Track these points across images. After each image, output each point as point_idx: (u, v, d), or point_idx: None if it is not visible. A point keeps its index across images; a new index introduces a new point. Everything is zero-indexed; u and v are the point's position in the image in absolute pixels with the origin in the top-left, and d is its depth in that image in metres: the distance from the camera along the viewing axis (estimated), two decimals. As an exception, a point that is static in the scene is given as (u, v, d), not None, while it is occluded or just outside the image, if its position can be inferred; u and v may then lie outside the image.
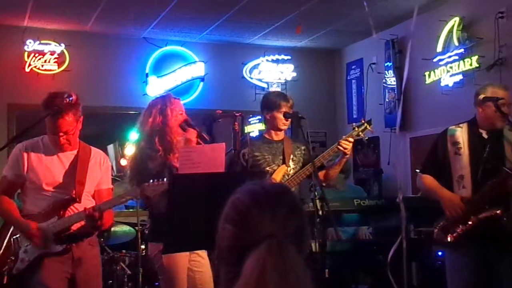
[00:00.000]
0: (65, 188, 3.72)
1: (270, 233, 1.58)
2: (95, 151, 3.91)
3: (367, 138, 4.81)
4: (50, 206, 3.67)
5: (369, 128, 4.70)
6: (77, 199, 3.73)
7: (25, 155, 3.68)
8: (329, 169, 4.62)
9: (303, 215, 1.74)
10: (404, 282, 3.89)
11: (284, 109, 4.53)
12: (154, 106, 4.12)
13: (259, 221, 1.62)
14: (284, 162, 4.57)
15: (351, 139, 4.54)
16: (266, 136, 4.65)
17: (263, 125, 4.87)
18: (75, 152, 3.80)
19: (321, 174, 4.56)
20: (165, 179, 3.60)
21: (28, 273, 3.62)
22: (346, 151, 4.48)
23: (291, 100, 4.66)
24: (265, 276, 1.49)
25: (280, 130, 4.62)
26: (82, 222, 3.68)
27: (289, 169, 4.57)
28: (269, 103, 4.59)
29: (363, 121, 4.76)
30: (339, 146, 4.48)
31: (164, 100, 4.16)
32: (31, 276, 3.62)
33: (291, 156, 4.61)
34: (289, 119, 4.60)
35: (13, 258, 3.64)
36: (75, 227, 3.70)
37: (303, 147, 4.71)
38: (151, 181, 3.61)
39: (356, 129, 4.67)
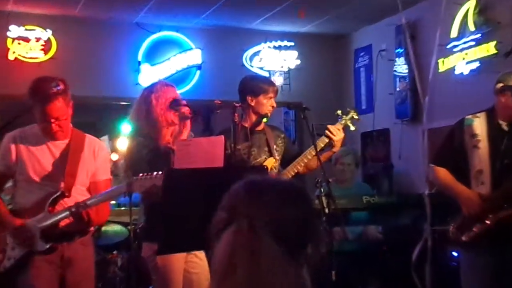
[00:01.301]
0: (54, 180, 3.71)
1: (246, 214, 1.59)
2: (89, 139, 3.90)
3: (356, 127, 4.81)
4: (39, 200, 3.66)
5: (356, 117, 4.74)
6: (66, 193, 3.71)
7: (13, 145, 3.68)
8: (312, 160, 4.60)
9: (305, 210, 1.72)
10: (427, 285, 3.87)
11: (271, 94, 4.52)
12: (141, 95, 4.13)
13: (241, 203, 1.64)
14: (270, 154, 4.55)
15: (340, 129, 4.57)
16: (246, 125, 4.56)
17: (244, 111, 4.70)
18: (66, 141, 3.78)
19: (303, 167, 4.60)
20: (154, 173, 3.57)
21: (15, 272, 3.61)
22: (335, 140, 4.49)
23: (276, 86, 4.68)
24: (234, 254, 1.53)
25: (266, 117, 4.60)
26: (71, 219, 3.67)
27: (275, 161, 4.56)
28: (254, 88, 4.54)
29: (348, 109, 4.78)
30: (327, 132, 4.50)
31: (151, 87, 4.15)
32: (18, 275, 3.62)
33: (274, 147, 4.60)
34: (275, 106, 4.58)
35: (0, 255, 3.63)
36: (63, 223, 3.69)
37: (282, 135, 4.76)
38: (140, 175, 3.57)
39: (344, 117, 4.70)
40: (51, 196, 3.67)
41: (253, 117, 4.58)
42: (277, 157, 4.59)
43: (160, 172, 3.49)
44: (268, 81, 4.70)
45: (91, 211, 3.67)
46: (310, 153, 4.50)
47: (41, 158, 3.72)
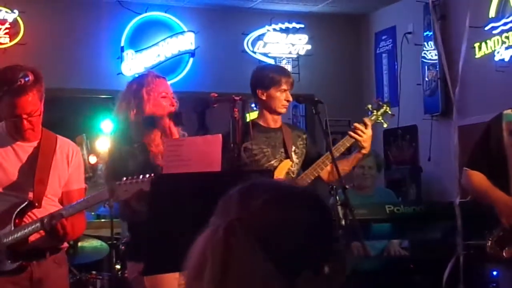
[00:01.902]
0: (20, 189, 3.67)
1: (235, 217, 1.58)
2: (62, 141, 3.85)
3: (387, 124, 4.79)
4: (3, 212, 3.62)
5: (389, 111, 4.71)
6: (36, 204, 3.70)
7: None
8: (338, 163, 4.43)
9: (312, 221, 1.66)
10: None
11: (284, 86, 4.50)
12: (129, 87, 4.11)
13: (232, 205, 1.62)
14: (287, 156, 4.56)
15: (369, 125, 4.53)
16: (261, 123, 4.59)
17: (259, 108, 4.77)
18: (35, 143, 3.74)
19: (325, 171, 4.55)
20: (141, 176, 3.53)
21: None
22: (362, 140, 4.48)
23: (291, 76, 4.66)
24: (203, 260, 1.52)
25: (279, 114, 4.59)
26: (42, 233, 3.67)
27: (293, 164, 4.57)
28: (265, 80, 4.53)
29: (379, 102, 4.77)
30: (351, 133, 4.48)
31: (140, 79, 4.15)
32: None
33: (293, 148, 4.60)
34: (290, 100, 4.56)
35: None
36: (33, 238, 3.69)
37: (304, 136, 4.74)
38: (124, 179, 3.52)
39: (375, 112, 4.67)
40: (18, 207, 3.63)
41: (267, 115, 4.59)
42: (296, 160, 4.58)
43: (147, 176, 3.46)
44: (280, 71, 4.67)
45: (66, 223, 3.66)
46: (328, 157, 4.45)
47: (5, 163, 3.67)
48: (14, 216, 3.62)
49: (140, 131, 3.98)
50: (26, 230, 3.62)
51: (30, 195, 3.68)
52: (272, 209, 1.63)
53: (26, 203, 3.66)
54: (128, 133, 3.99)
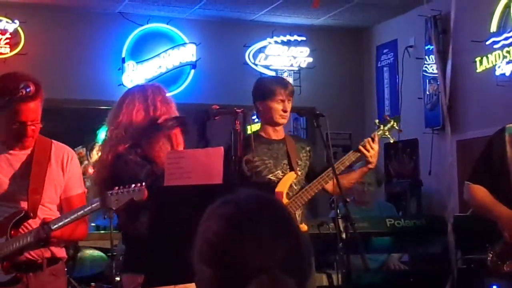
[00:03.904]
0: (15, 199, 3.61)
1: (260, 267, 1.56)
2: (56, 147, 3.79)
3: (394, 139, 4.79)
4: (3, 221, 3.57)
5: (396, 127, 4.70)
6: (31, 214, 3.67)
7: None
8: (344, 177, 4.54)
9: (295, 231, 1.71)
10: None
11: (280, 97, 4.48)
12: (139, 94, 4.08)
13: (241, 255, 1.58)
14: (291, 168, 4.55)
15: (376, 140, 4.53)
16: (263, 134, 4.60)
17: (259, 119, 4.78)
18: (28, 150, 3.69)
19: (330, 184, 4.49)
20: (132, 185, 3.49)
21: None
22: (369, 156, 4.48)
23: (290, 85, 4.64)
24: None
25: (278, 124, 4.58)
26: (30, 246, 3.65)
27: (296, 176, 4.55)
28: (261, 91, 4.55)
29: (387, 117, 4.77)
30: (361, 148, 4.47)
31: (152, 88, 4.12)
32: None
33: (297, 160, 4.59)
34: (288, 111, 4.55)
35: None
36: (29, 249, 3.66)
37: (308, 148, 4.71)
38: (116, 188, 3.48)
39: (382, 127, 4.66)
40: (13, 218, 3.58)
41: (267, 126, 4.60)
42: (300, 172, 4.56)
43: (139, 185, 3.45)
44: (276, 81, 4.65)
45: (62, 234, 3.63)
46: (326, 175, 4.45)
47: (3, 172, 3.66)
48: (9, 227, 3.59)
49: (143, 142, 3.97)
50: (21, 241, 3.57)
51: (24, 205, 3.63)
52: (283, 241, 1.63)
53: (21, 215, 3.62)
54: (137, 143, 3.98)
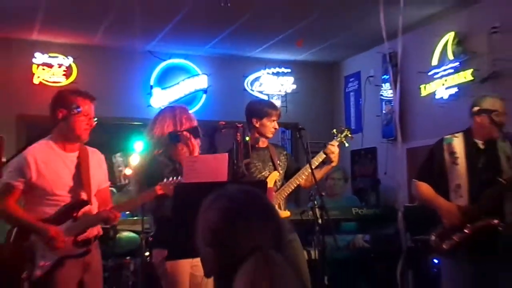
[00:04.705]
0: (74, 191, 3.62)
1: (253, 246, 1.55)
2: (91, 151, 3.82)
3: (347, 144, 4.81)
4: (61, 210, 3.56)
5: (349, 135, 4.74)
6: (89, 202, 3.65)
7: (32, 163, 3.52)
8: (316, 172, 4.52)
9: (277, 216, 1.70)
10: None
11: (274, 118, 4.55)
12: (169, 113, 4.11)
13: (237, 238, 1.58)
14: (274, 168, 4.56)
15: (335, 145, 4.56)
16: (253, 143, 4.59)
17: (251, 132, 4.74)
18: (76, 153, 3.71)
19: (303, 180, 4.58)
20: (179, 177, 3.66)
21: (47, 278, 3.46)
22: (332, 157, 4.49)
23: (279, 109, 4.69)
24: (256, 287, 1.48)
25: (268, 137, 4.62)
26: (96, 223, 3.64)
27: (279, 175, 4.57)
28: (259, 111, 4.58)
29: (342, 127, 4.79)
30: (326, 150, 4.49)
31: (179, 108, 4.16)
32: (47, 282, 3.47)
33: (278, 162, 4.61)
34: (277, 128, 4.61)
35: (30, 264, 3.44)
36: (89, 228, 3.65)
37: (284, 152, 4.79)
38: (165, 180, 3.65)
39: (339, 135, 4.70)
40: (74, 205, 3.59)
41: (258, 137, 4.61)
42: (281, 171, 4.59)
43: (180, 178, 3.63)
44: (272, 106, 4.68)
45: (116, 214, 3.65)
46: (307, 169, 4.48)
47: (60, 172, 3.61)
48: (72, 212, 3.58)
49: (169, 148, 3.97)
50: (87, 222, 3.60)
51: (83, 195, 3.64)
52: (269, 225, 1.65)
53: (82, 202, 3.62)
54: (161, 149, 3.99)
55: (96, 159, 3.83)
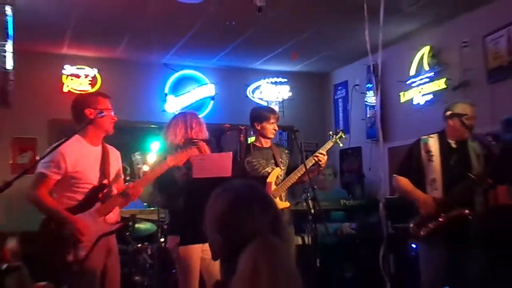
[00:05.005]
0: (99, 179, 3.60)
1: (254, 232, 1.55)
2: (110, 148, 3.81)
3: (342, 145, 4.78)
4: (89, 194, 3.53)
5: (343, 136, 4.71)
6: (111, 186, 3.66)
7: (67, 154, 3.48)
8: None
9: (275, 206, 1.71)
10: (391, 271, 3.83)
11: (272, 120, 4.52)
12: (181, 118, 4.09)
13: (240, 224, 1.59)
14: (276, 165, 4.53)
15: (324, 152, 4.51)
16: (257, 144, 4.60)
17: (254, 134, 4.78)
18: (100, 148, 3.70)
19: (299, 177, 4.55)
20: (189, 148, 3.69)
21: (87, 259, 3.43)
22: (320, 163, 4.47)
23: (277, 113, 4.67)
24: (257, 268, 1.48)
25: (269, 138, 4.60)
26: (120, 203, 3.61)
27: (281, 171, 4.54)
28: (259, 116, 4.55)
29: (337, 130, 4.78)
30: (315, 158, 4.48)
31: (190, 114, 4.16)
32: (87, 264, 3.43)
33: (280, 159, 4.58)
34: (284, 132, 4.60)
35: (73, 247, 3.38)
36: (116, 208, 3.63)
37: (286, 151, 4.74)
38: (175, 152, 3.69)
39: (334, 136, 4.67)
40: (99, 189, 3.57)
41: (261, 138, 4.59)
42: (283, 168, 4.55)
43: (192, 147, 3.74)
44: (270, 110, 4.67)
45: (135, 190, 3.64)
46: (302, 168, 4.45)
47: (89, 163, 3.58)
48: (97, 194, 3.56)
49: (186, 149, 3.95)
50: (112, 202, 3.58)
51: (106, 181, 3.62)
52: (268, 213, 1.64)
53: (104, 184, 3.61)
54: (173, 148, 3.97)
55: (114, 155, 3.82)
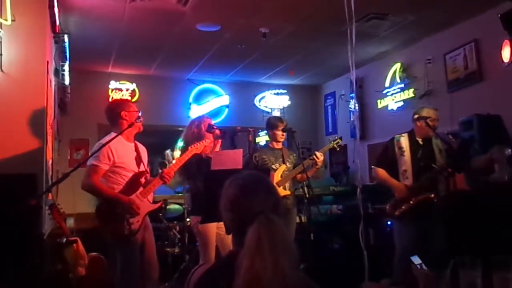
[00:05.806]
0: (136, 168, 3.60)
1: (258, 211, 1.54)
2: (138, 144, 3.78)
3: (338, 149, 4.75)
4: (131, 181, 3.52)
5: (340, 142, 4.68)
6: (147, 173, 3.66)
7: (114, 149, 3.48)
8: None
9: (276, 192, 1.70)
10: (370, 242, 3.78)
11: (280, 128, 4.55)
12: (193, 123, 4.10)
13: (248, 204, 1.59)
14: (284, 163, 4.52)
15: (322, 153, 4.46)
16: (270, 145, 4.64)
17: (269, 138, 4.79)
18: (133, 144, 3.69)
19: (298, 175, 4.51)
20: (205, 140, 3.76)
21: (138, 232, 3.46)
22: (318, 161, 4.42)
23: (285, 121, 4.67)
24: (260, 242, 1.47)
25: (279, 142, 4.61)
26: (158, 184, 3.59)
27: (286, 167, 4.52)
28: (270, 124, 4.61)
29: (336, 137, 4.74)
30: (311, 159, 4.44)
31: (199, 119, 4.14)
32: (136, 236, 3.47)
33: (287, 159, 4.56)
34: (285, 133, 4.62)
35: (127, 223, 3.38)
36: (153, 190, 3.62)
37: (294, 154, 4.72)
38: (192, 145, 3.70)
39: (332, 142, 4.65)
40: (139, 175, 3.57)
41: (272, 141, 4.64)
42: (289, 165, 4.56)
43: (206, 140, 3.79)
44: (279, 120, 4.68)
45: (171, 174, 3.64)
46: (301, 166, 4.40)
47: (129, 155, 3.59)
48: (139, 179, 3.55)
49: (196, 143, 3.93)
50: (151, 186, 3.56)
51: (143, 169, 3.62)
52: (271, 197, 1.64)
53: (142, 171, 3.60)
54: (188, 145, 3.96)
55: (142, 150, 3.80)
